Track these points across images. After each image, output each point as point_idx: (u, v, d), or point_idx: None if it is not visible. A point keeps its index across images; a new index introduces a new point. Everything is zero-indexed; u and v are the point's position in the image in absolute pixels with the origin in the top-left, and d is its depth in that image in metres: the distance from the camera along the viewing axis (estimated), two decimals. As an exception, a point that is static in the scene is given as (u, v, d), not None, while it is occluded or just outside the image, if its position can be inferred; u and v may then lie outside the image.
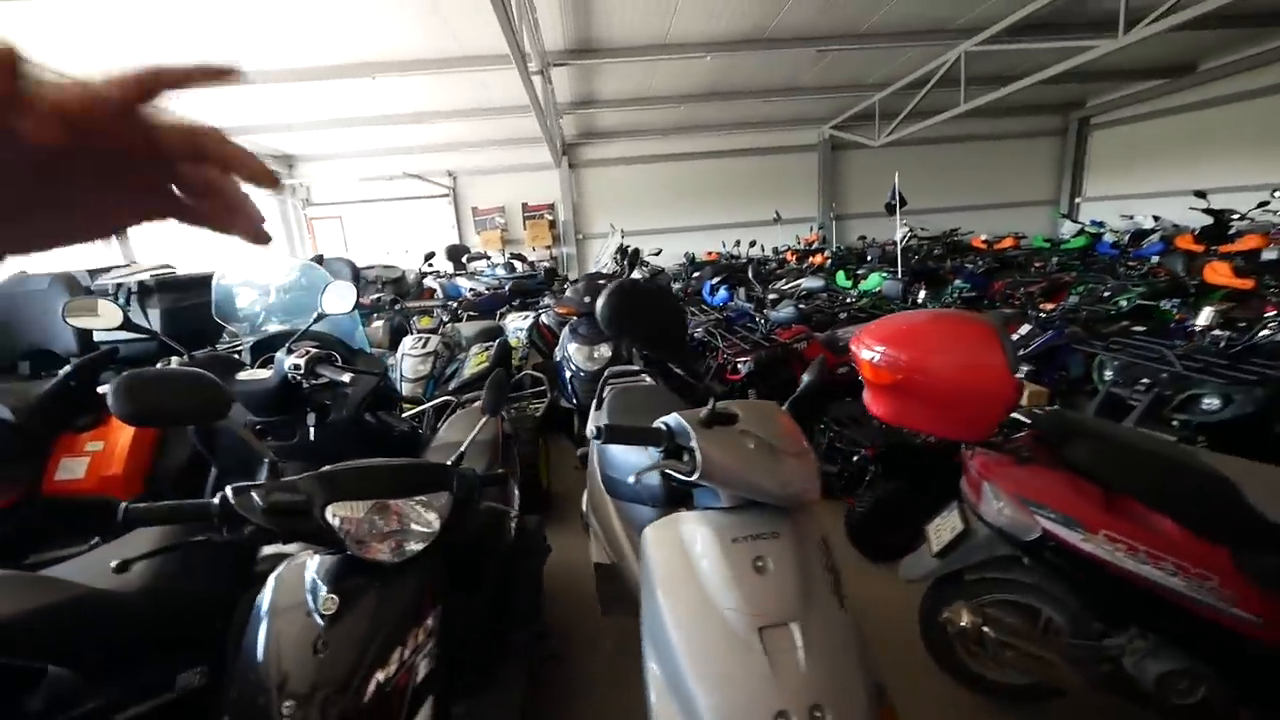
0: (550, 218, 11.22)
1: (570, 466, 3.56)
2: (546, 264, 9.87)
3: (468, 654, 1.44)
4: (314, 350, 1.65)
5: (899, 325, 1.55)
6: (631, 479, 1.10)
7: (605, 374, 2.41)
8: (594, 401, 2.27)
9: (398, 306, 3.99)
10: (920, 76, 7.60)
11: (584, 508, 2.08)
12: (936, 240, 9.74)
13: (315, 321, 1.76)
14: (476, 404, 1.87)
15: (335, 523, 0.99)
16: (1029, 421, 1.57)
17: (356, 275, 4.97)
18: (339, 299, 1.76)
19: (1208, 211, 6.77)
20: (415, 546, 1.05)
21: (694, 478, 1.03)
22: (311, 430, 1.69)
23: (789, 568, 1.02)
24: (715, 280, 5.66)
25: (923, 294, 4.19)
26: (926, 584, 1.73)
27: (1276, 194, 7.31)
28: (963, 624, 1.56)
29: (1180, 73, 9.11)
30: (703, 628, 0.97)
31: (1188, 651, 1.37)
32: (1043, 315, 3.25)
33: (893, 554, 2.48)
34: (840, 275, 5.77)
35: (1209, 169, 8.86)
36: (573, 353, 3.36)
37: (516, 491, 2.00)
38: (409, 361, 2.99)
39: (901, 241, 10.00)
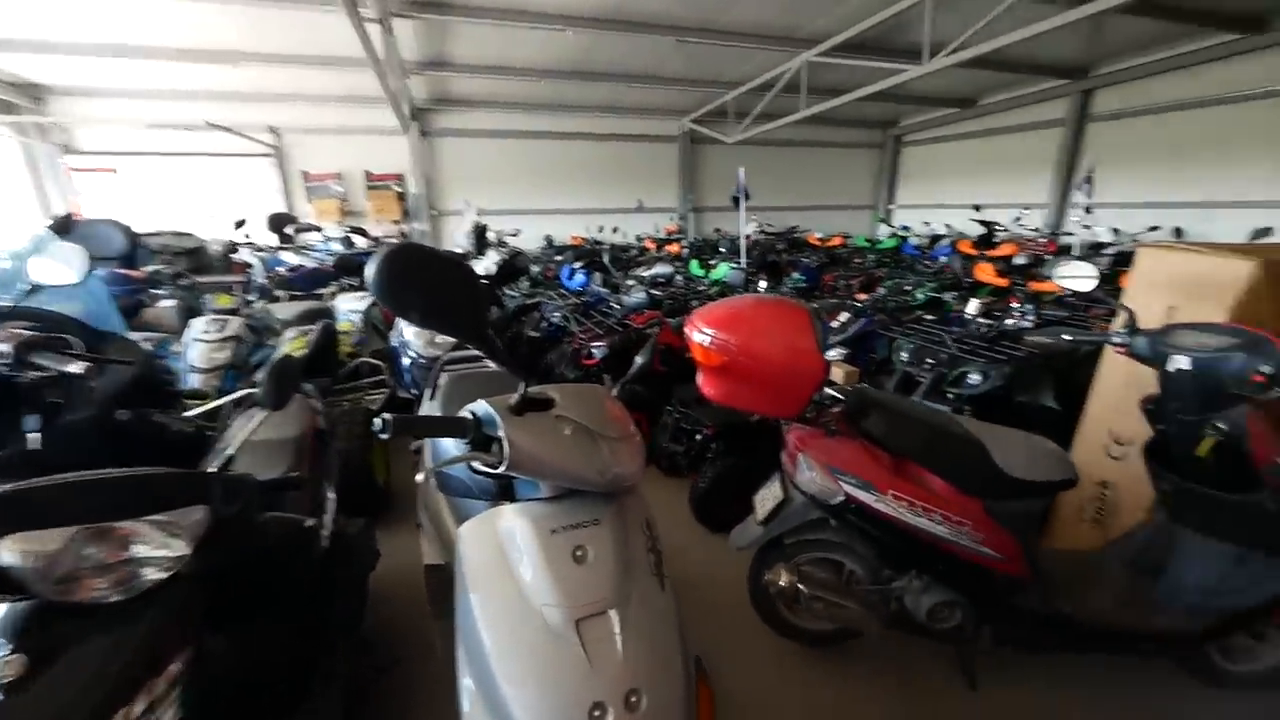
0: (399, 189, 10.29)
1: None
2: (393, 240, 9.06)
3: (270, 681, 1.24)
4: (27, 333, 1.27)
5: (727, 310, 1.62)
6: (420, 477, 1.01)
7: (441, 359, 2.25)
8: (429, 390, 2.10)
9: (185, 282, 3.35)
10: (768, 80, 8.17)
11: (419, 505, 1.93)
12: (780, 236, 10.63)
13: (28, 295, 1.37)
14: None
15: (13, 560, 0.76)
16: (841, 398, 1.74)
17: (134, 243, 4.10)
18: (60, 267, 1.37)
19: (982, 223, 8.20)
20: (152, 577, 0.85)
21: (501, 469, 0.97)
22: (34, 436, 1.32)
23: (609, 554, 1.01)
24: (576, 265, 5.61)
25: (764, 284, 4.52)
26: (754, 550, 1.86)
27: (1025, 212, 9.03)
28: (782, 583, 1.70)
29: (967, 105, 10.86)
30: (517, 626, 0.93)
31: (950, 586, 1.63)
32: (857, 305, 3.67)
33: (732, 525, 2.67)
34: (694, 264, 6.03)
35: (986, 187, 10.65)
36: (410, 337, 3.10)
37: (332, 495, 1.78)
38: (199, 348, 2.51)
39: (752, 235, 10.83)
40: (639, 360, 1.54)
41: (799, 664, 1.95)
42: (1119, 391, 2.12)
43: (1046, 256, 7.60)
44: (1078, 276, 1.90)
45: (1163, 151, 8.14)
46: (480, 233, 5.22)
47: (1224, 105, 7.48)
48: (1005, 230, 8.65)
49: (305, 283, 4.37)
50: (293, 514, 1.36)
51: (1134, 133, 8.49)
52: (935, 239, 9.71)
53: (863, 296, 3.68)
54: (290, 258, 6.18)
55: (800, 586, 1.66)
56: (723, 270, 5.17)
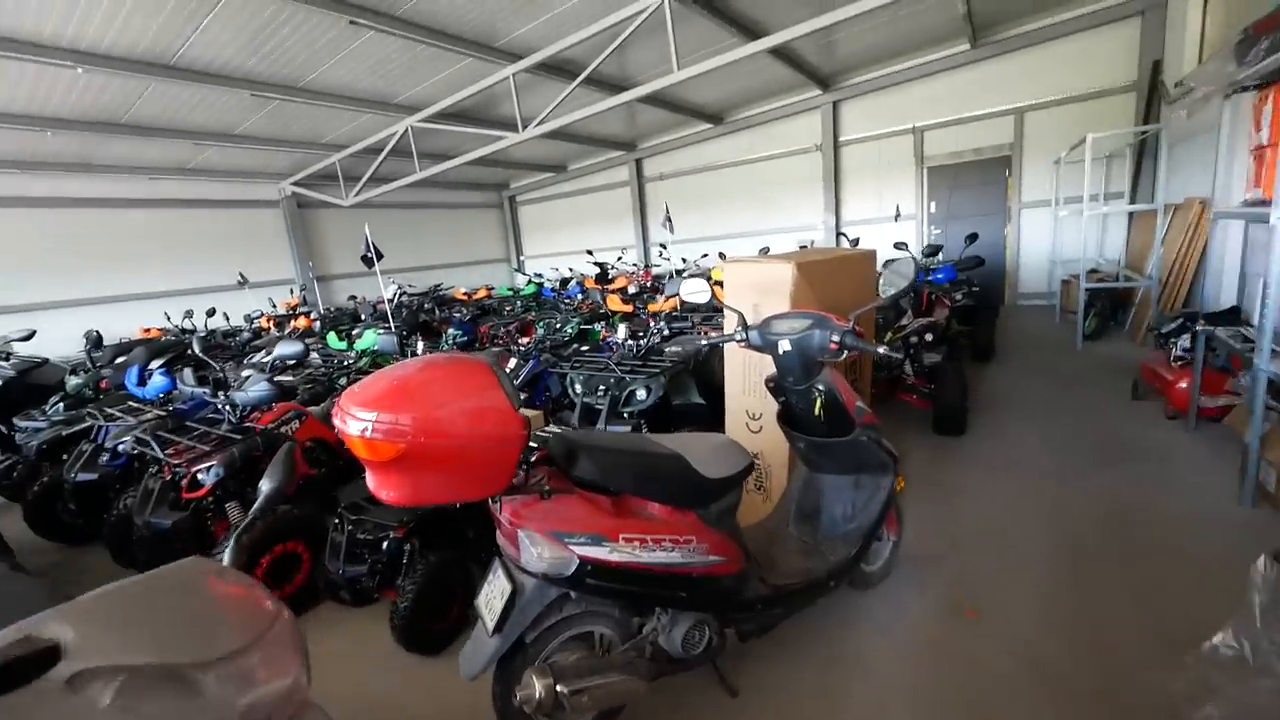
0: None
1: None
2: None
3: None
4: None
5: (388, 383, 1.19)
6: None
7: None
8: None
9: None
10: (376, 144, 7.58)
11: None
12: (425, 295, 10.07)
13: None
14: None
15: None
16: (535, 445, 1.50)
17: None
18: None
19: (596, 264, 9.44)
20: None
21: None
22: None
23: None
24: (152, 365, 3.94)
25: (420, 345, 4.02)
26: (492, 670, 1.44)
27: (623, 252, 10.79)
28: (538, 694, 1.34)
29: (559, 170, 12.44)
30: None
31: (692, 608, 1.56)
32: (522, 348, 3.57)
33: (452, 637, 2.13)
34: (332, 336, 5.00)
35: (591, 235, 12.33)
36: None
37: None
38: None
39: (393, 299, 9.93)
40: (267, 485, 0.99)
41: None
42: (742, 378, 2.52)
43: (647, 283, 9.28)
44: (697, 291, 2.16)
45: (695, 201, 10.90)
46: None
47: (709, 171, 10.53)
48: (614, 268, 10.18)
49: None
50: None
51: (676, 189, 11.14)
52: (565, 281, 10.75)
53: (524, 340, 3.59)
54: None
55: (559, 688, 1.33)
56: (369, 338, 4.40)
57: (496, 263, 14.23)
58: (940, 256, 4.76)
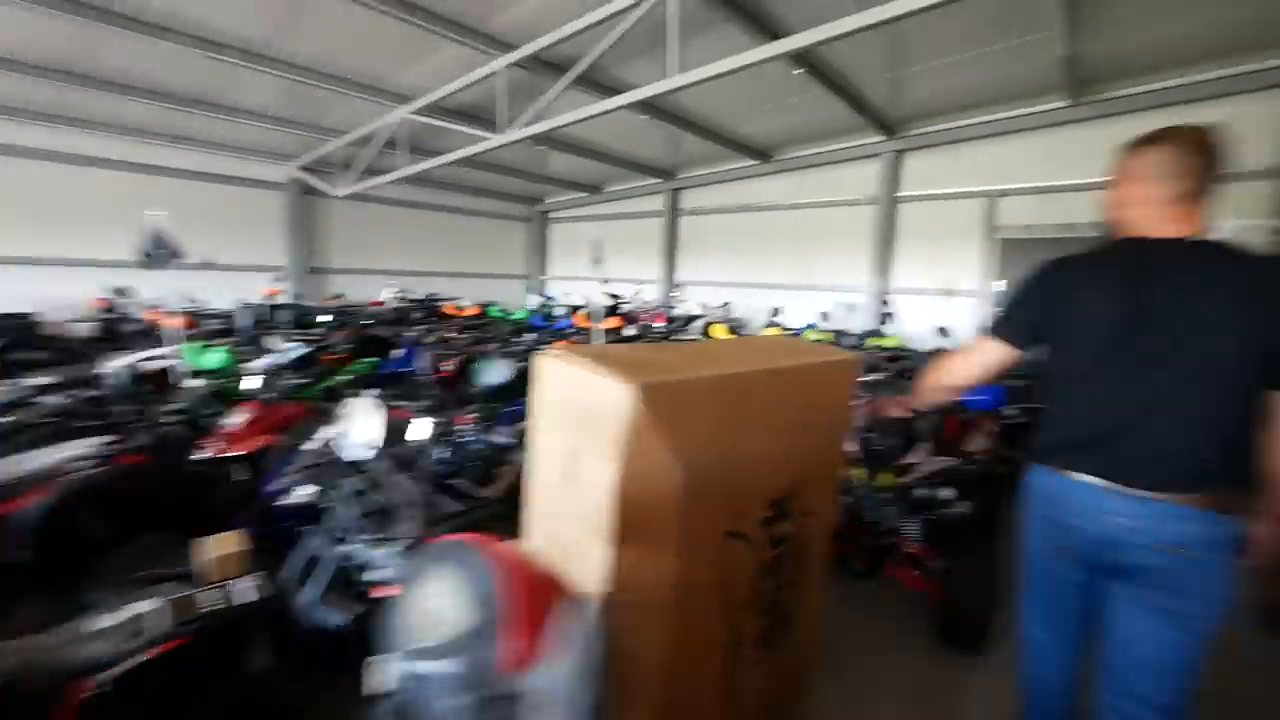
0: None
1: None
2: None
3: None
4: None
5: None
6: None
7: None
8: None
9: None
10: (370, 134, 6.92)
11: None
12: (419, 303, 9.36)
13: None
14: None
15: None
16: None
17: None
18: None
19: (611, 295, 8.45)
20: None
21: None
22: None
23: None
24: None
25: (258, 379, 3.04)
26: None
27: (640, 288, 9.74)
28: None
29: (595, 190, 11.61)
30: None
31: None
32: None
33: None
34: (188, 349, 4.12)
35: (616, 263, 11.29)
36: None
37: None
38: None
39: (389, 300, 9.26)
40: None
41: None
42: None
43: (656, 325, 8.13)
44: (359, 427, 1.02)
45: (730, 243, 9.76)
46: None
47: (750, 213, 9.37)
48: (629, 302, 9.12)
49: None
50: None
51: (713, 227, 10.04)
52: (575, 309, 9.77)
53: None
54: None
55: None
56: (210, 359, 3.49)
57: (516, 278, 13.49)
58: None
